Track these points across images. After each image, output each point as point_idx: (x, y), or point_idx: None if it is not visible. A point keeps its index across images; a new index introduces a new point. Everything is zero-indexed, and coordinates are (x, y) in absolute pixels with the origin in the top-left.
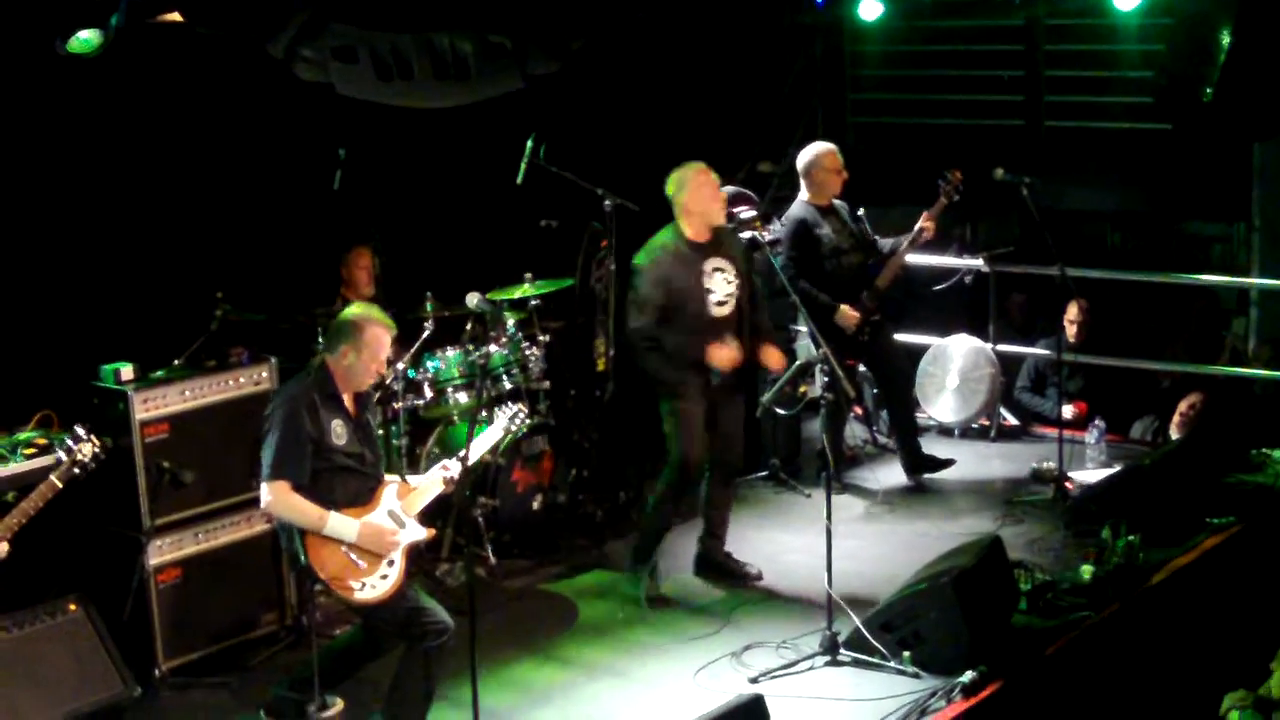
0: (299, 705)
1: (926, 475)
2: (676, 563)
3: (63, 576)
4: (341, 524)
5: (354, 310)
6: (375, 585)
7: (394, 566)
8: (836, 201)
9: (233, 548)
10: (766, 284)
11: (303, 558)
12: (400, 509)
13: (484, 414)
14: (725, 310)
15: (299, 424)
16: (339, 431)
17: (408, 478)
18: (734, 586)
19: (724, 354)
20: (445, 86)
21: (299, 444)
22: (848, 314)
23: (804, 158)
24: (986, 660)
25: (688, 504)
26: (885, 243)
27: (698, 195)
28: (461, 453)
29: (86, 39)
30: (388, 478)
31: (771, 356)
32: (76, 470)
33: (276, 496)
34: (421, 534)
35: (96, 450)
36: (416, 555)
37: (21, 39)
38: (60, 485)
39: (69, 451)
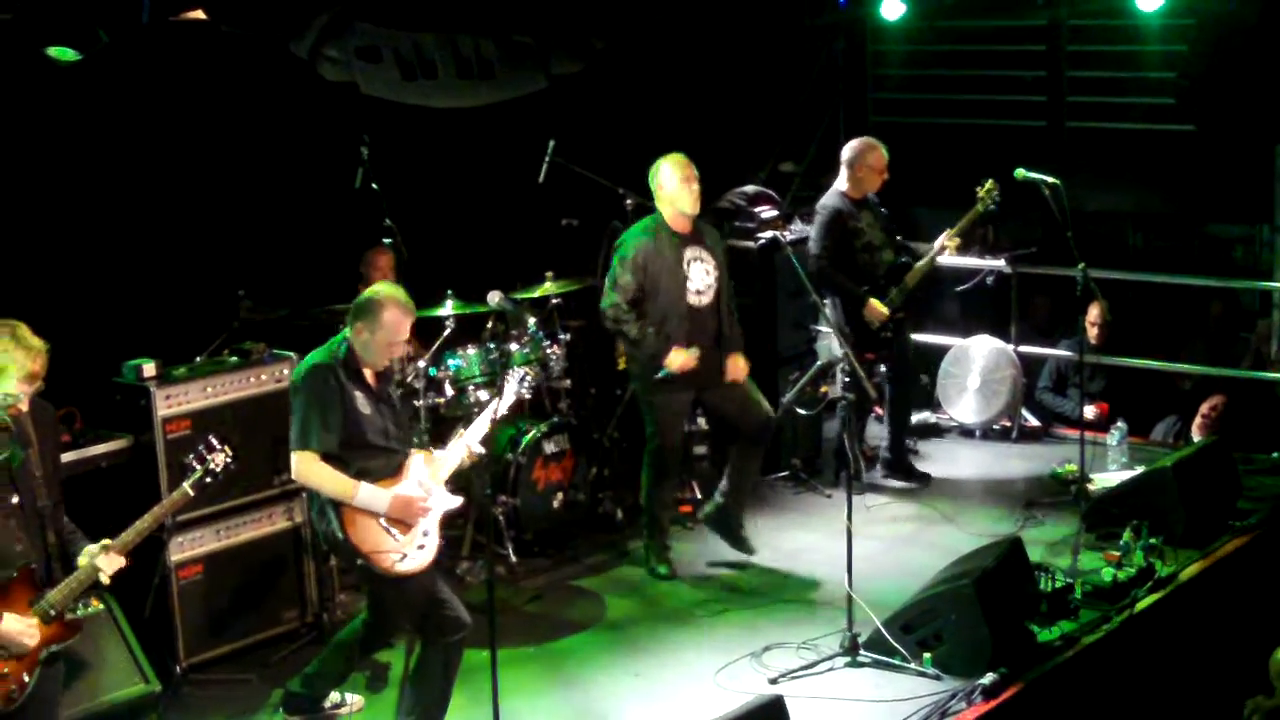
0: (313, 701)
1: (902, 483)
2: (696, 563)
3: None
4: (372, 495)
5: (377, 289)
6: (413, 556)
7: (429, 537)
8: (871, 197)
9: (254, 544)
10: (785, 284)
11: (340, 534)
12: (429, 479)
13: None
14: (703, 300)
15: (326, 392)
16: (363, 403)
17: (433, 450)
18: (735, 555)
19: (678, 358)
20: (469, 86)
21: (326, 412)
22: (876, 308)
23: (850, 150)
24: (1007, 662)
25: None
26: (919, 247)
27: (670, 181)
28: (475, 425)
29: (63, 50)
30: (414, 449)
31: (736, 366)
32: (208, 480)
33: (304, 465)
34: (453, 502)
35: (229, 460)
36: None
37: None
38: (192, 494)
39: (202, 460)
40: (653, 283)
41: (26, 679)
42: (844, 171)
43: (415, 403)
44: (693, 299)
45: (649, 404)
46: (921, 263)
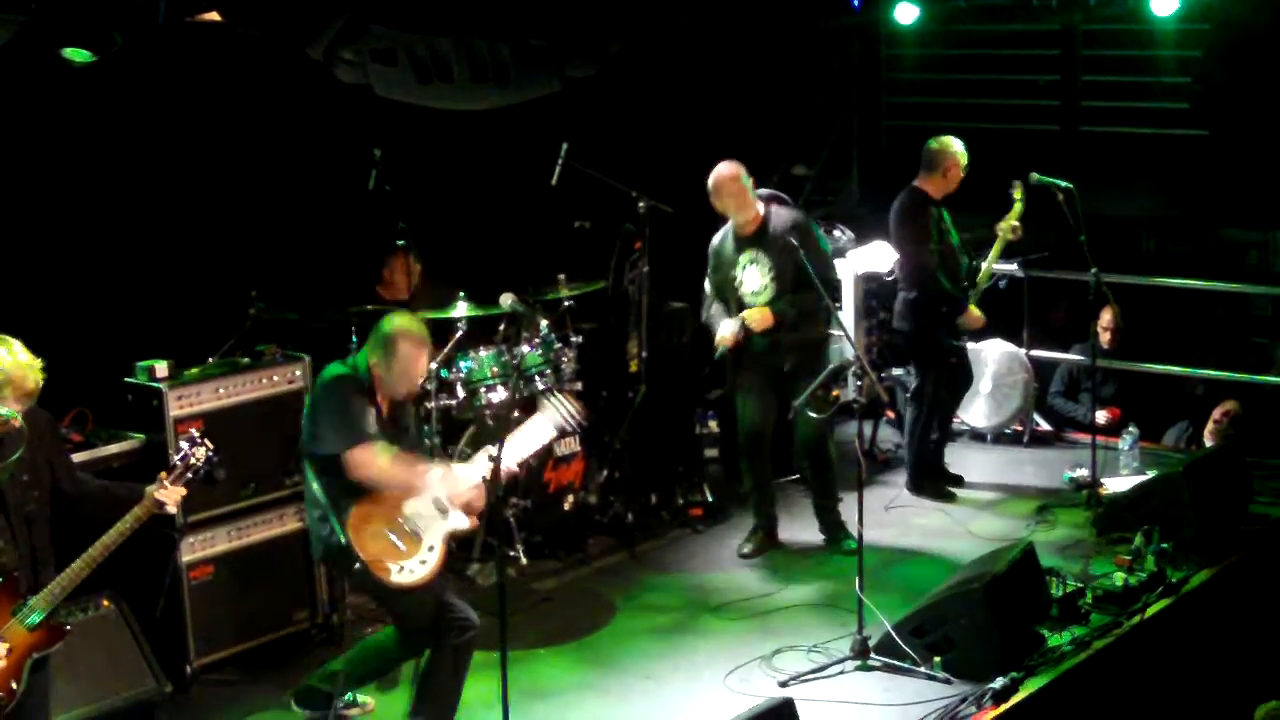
0: (328, 698)
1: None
2: (707, 566)
3: (96, 572)
4: (440, 475)
5: (393, 323)
6: (413, 570)
7: (433, 552)
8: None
9: (265, 545)
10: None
11: (342, 539)
12: (445, 497)
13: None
14: (759, 300)
15: (358, 393)
16: (371, 420)
17: (454, 467)
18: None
19: (720, 336)
20: (483, 89)
21: (363, 410)
22: (975, 317)
23: (936, 148)
24: (1017, 666)
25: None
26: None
27: (715, 197)
28: (509, 446)
29: (78, 51)
30: (434, 466)
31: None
32: (190, 475)
33: (369, 455)
34: (464, 523)
35: (210, 453)
36: (448, 554)
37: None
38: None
39: (184, 456)
40: (716, 280)
41: (14, 686)
42: (929, 173)
43: (427, 404)
44: (748, 299)
45: (731, 390)
46: (988, 262)
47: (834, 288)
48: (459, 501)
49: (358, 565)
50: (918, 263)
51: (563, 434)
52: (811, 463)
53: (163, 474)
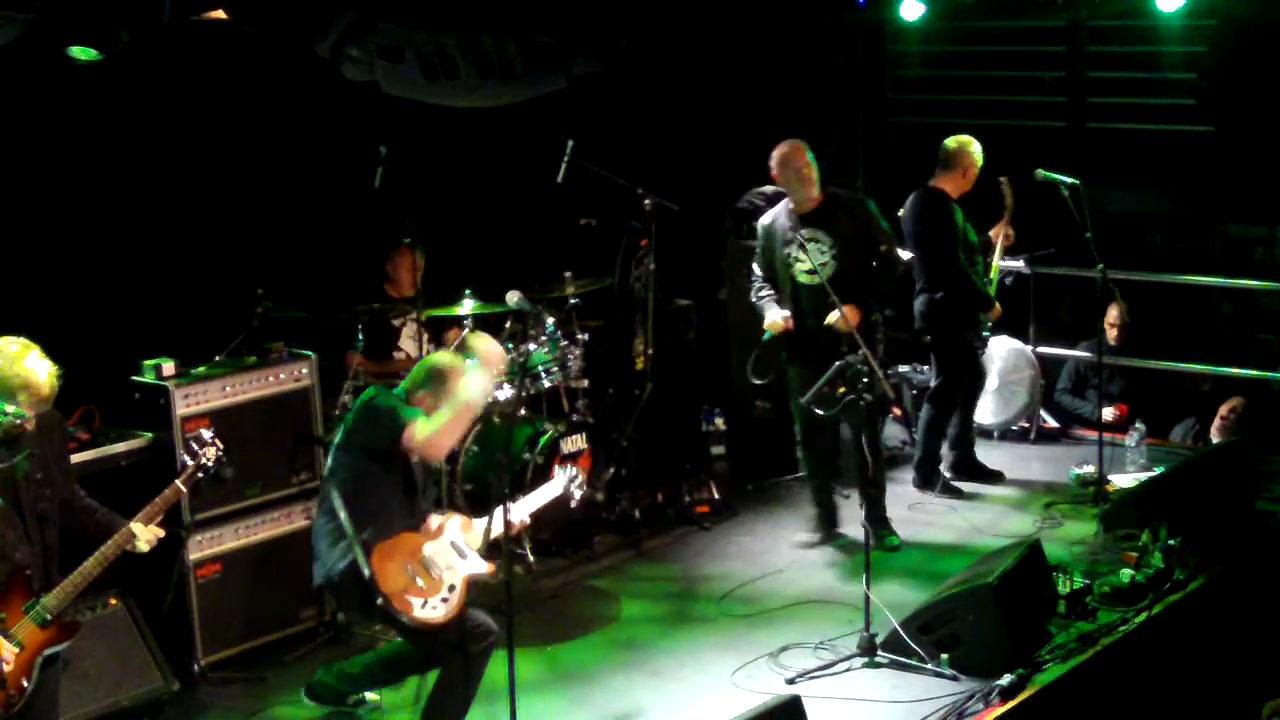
0: (339, 694)
1: (970, 484)
2: (713, 562)
3: (104, 570)
4: (459, 523)
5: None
6: (435, 607)
7: (454, 593)
8: None
9: (272, 543)
10: None
11: (366, 570)
12: (463, 541)
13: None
14: (817, 280)
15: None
16: (401, 470)
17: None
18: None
19: (770, 321)
20: (490, 86)
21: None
22: (996, 310)
23: (958, 146)
24: (1024, 663)
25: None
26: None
27: (780, 171)
28: (522, 501)
29: (84, 49)
30: (451, 513)
31: (845, 315)
32: (200, 475)
33: (424, 426)
34: (483, 568)
35: (220, 454)
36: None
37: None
38: (185, 490)
39: (194, 455)
40: (768, 259)
41: (25, 684)
42: (948, 171)
43: None
44: (803, 278)
45: (789, 377)
46: (995, 259)
47: (898, 269)
48: (475, 545)
49: (379, 600)
50: (947, 263)
51: (569, 494)
52: (861, 455)
53: (165, 490)
